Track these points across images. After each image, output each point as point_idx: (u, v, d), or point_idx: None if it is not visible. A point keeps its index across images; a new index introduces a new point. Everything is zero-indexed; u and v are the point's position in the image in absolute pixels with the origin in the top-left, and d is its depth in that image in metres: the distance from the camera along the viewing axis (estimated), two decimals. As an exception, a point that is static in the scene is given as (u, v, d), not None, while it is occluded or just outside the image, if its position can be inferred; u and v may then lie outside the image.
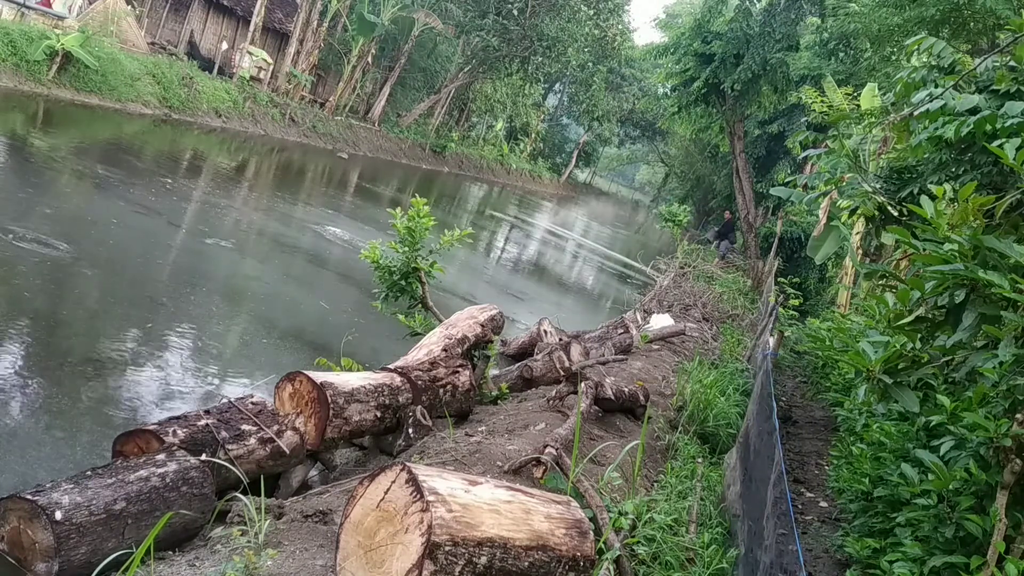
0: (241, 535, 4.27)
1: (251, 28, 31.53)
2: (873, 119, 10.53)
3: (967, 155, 6.83)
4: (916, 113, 6.59)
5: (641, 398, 8.21)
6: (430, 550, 3.57)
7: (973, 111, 6.06)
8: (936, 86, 6.89)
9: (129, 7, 26.64)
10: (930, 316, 4.25)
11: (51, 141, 17.04)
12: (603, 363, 8.96)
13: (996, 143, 4.40)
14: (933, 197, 4.54)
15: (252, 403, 5.74)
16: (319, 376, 6.20)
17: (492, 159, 50.38)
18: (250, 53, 31.01)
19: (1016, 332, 3.67)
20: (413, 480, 3.72)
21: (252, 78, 30.51)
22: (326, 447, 6.24)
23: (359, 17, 33.35)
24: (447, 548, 3.64)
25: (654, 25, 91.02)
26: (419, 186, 32.05)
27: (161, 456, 4.75)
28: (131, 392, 7.37)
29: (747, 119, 24.57)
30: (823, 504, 6.73)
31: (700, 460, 7.54)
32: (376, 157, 35.87)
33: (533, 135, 57.08)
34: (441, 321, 8.91)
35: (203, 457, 4.95)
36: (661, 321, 13.90)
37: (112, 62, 22.20)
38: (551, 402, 7.44)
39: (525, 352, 10.25)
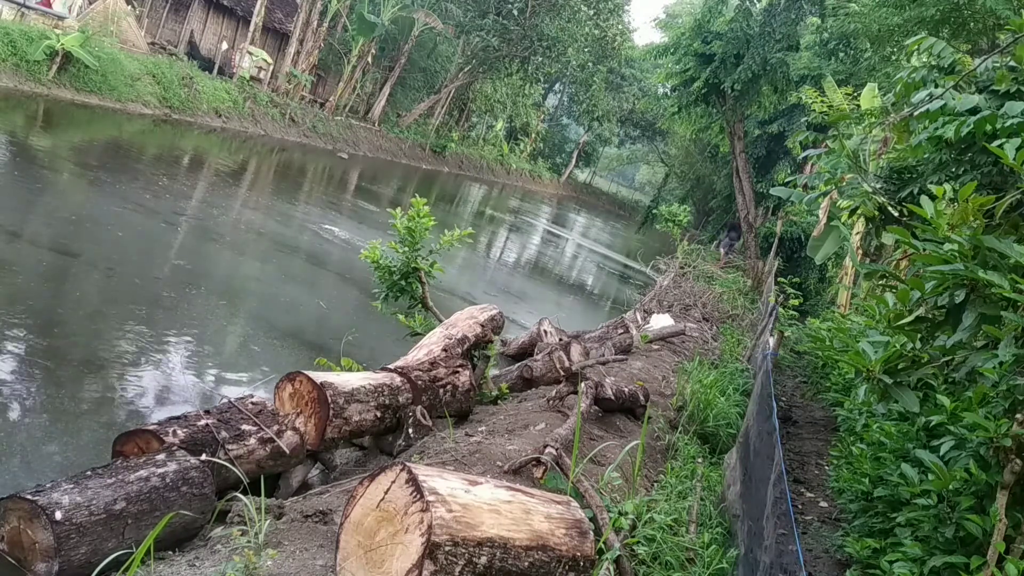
0: (241, 535, 4.26)
1: (251, 28, 31.53)
2: (873, 119, 10.52)
3: (967, 155, 6.83)
4: (916, 113, 6.58)
5: (641, 398, 8.21)
6: (430, 550, 3.57)
7: (973, 111, 6.05)
8: (936, 86, 6.89)
9: (129, 7, 26.64)
10: (930, 316, 4.25)
11: (51, 141, 17.04)
12: (603, 363, 8.96)
13: (996, 143, 4.40)
14: (933, 197, 4.53)
15: (252, 403, 5.74)
16: (319, 376, 6.20)
17: (492, 159, 50.37)
18: (250, 53, 31.01)
19: (1016, 332, 3.67)
20: (413, 480, 3.72)
21: (252, 78, 30.50)
22: (326, 447, 6.24)
23: (359, 17, 33.34)
24: (447, 548, 3.63)
25: (654, 25, 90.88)
26: (419, 186, 32.05)
27: (161, 456, 4.75)
28: (131, 392, 7.37)
29: (747, 119, 24.55)
30: (823, 504, 6.73)
31: (700, 460, 7.54)
32: (376, 157, 35.87)
33: (533, 135, 57.06)
34: (441, 321, 8.91)
35: (203, 457, 4.94)
36: (661, 321, 13.90)
37: (112, 62, 22.20)
38: (551, 402, 7.43)
39: (525, 352, 10.24)
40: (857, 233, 11.93)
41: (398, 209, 9.03)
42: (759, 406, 6.77)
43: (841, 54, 22.57)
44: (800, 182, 13.52)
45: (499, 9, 39.01)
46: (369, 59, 36.13)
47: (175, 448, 4.89)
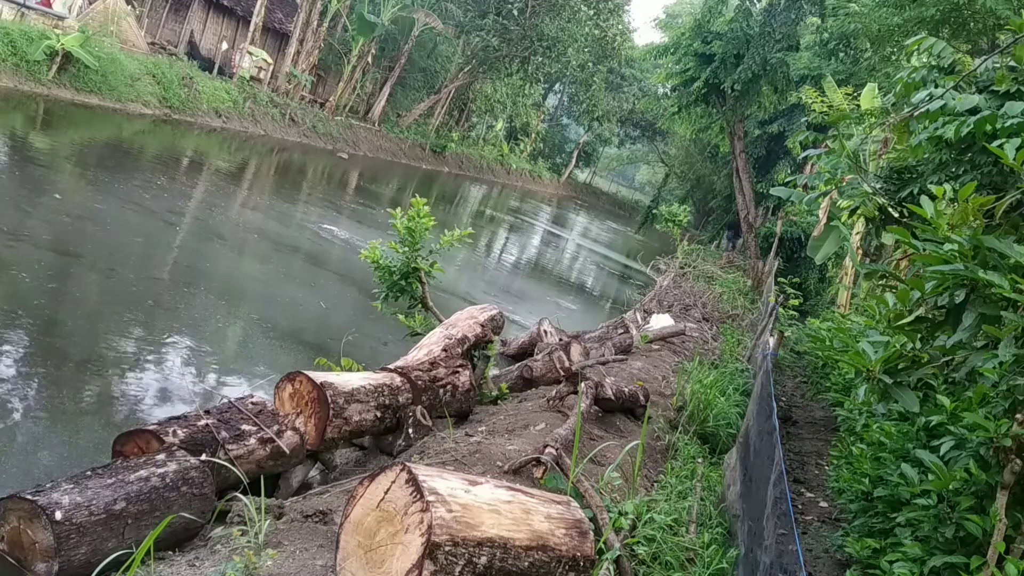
0: (241, 535, 4.26)
1: (251, 28, 31.53)
2: (873, 119, 10.53)
3: (967, 155, 6.82)
4: (916, 113, 6.58)
5: (641, 398, 8.21)
6: (430, 550, 3.57)
7: (973, 111, 6.05)
8: (936, 86, 6.88)
9: (129, 7, 26.63)
10: (930, 316, 4.25)
11: (51, 141, 17.04)
12: (603, 363, 8.96)
13: (996, 143, 4.40)
14: (933, 197, 4.53)
15: (252, 403, 5.74)
16: (319, 376, 6.20)
17: (492, 159, 50.37)
18: (250, 53, 31.01)
19: (1016, 332, 3.66)
20: (413, 480, 3.72)
21: (252, 78, 30.50)
22: (326, 447, 6.24)
23: (359, 17, 33.34)
24: (447, 548, 3.63)
25: (654, 25, 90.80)
26: (419, 186, 32.06)
27: (161, 456, 4.74)
28: (131, 392, 7.37)
29: (747, 119, 24.56)
30: (823, 504, 6.73)
31: (700, 460, 7.54)
32: (376, 157, 35.87)
33: (533, 135, 57.07)
34: (441, 321, 8.91)
35: (203, 457, 4.94)
36: (661, 321, 13.91)
37: (112, 62, 22.19)
38: (551, 402, 7.44)
39: (525, 352, 10.25)
40: (857, 233, 11.93)
41: (398, 209, 9.03)
42: (759, 406, 6.78)
43: (841, 54, 22.56)
44: (800, 182, 13.53)
45: (499, 9, 39.01)
46: (369, 59, 36.13)
47: (175, 448, 4.89)
